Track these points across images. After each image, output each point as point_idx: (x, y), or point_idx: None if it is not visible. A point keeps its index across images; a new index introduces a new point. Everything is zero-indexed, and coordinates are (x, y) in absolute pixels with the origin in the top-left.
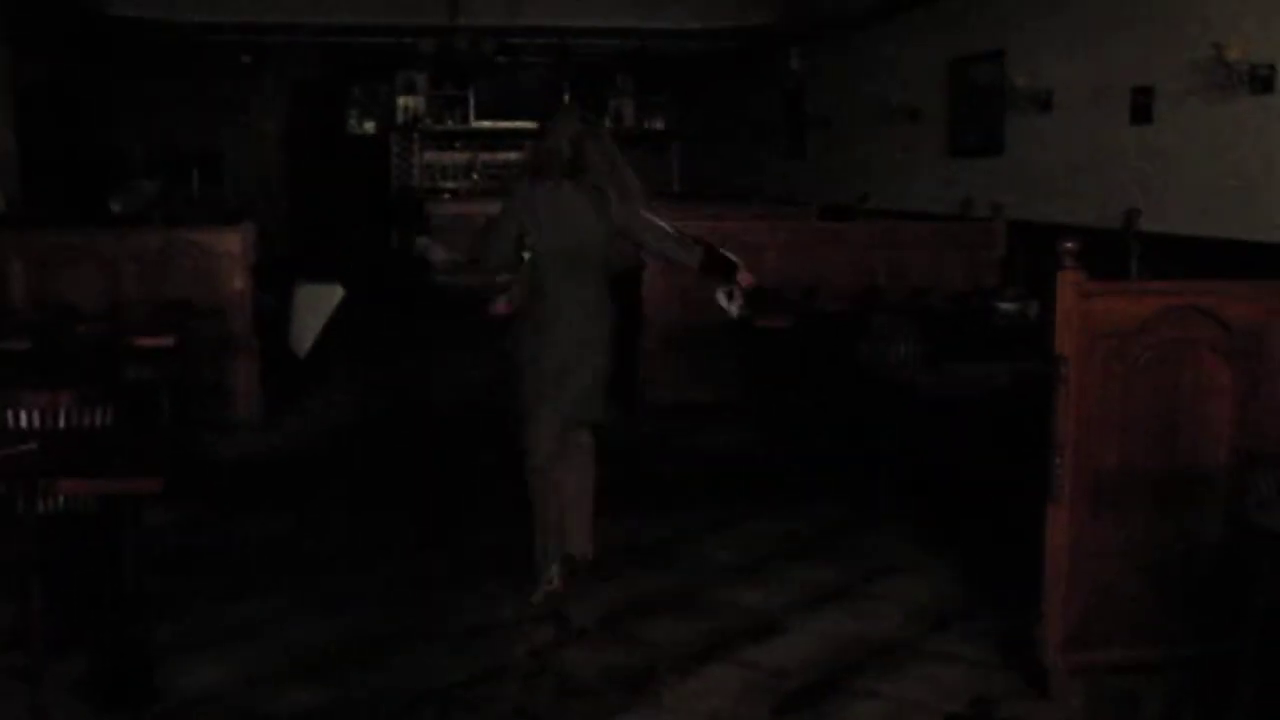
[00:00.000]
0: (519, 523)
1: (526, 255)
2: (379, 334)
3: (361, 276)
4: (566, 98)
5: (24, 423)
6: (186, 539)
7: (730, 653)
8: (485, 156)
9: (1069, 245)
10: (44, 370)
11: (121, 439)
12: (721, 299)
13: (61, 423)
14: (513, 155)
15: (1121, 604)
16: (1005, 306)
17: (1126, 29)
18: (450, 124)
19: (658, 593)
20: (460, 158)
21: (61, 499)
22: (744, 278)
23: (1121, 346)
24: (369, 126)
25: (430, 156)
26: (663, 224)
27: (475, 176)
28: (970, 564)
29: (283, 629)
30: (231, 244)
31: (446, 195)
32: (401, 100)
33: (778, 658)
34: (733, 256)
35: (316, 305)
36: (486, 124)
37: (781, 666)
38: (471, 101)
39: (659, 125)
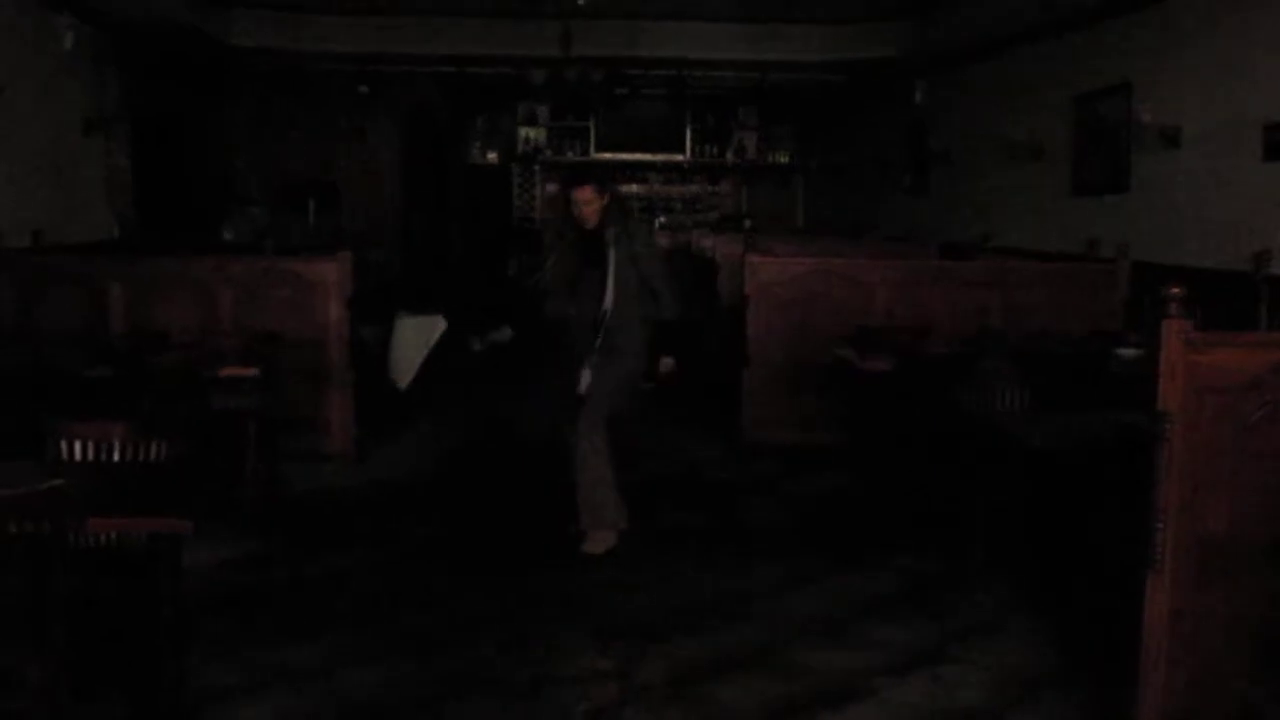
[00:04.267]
0: (594, 568)
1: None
2: (490, 369)
3: (479, 307)
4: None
5: (76, 454)
6: (251, 576)
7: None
8: None
9: (1174, 290)
10: (123, 399)
11: (174, 474)
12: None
13: (116, 455)
14: (634, 187)
15: (1227, 683)
16: (1124, 353)
17: (1261, 62)
18: (571, 155)
19: (732, 648)
20: None
21: (114, 535)
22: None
23: (1232, 403)
24: (491, 157)
25: (552, 188)
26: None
27: None
28: (1068, 629)
29: (333, 675)
30: (328, 273)
31: None
32: (523, 131)
33: None
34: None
35: (418, 337)
36: (607, 155)
37: None
38: (592, 133)
39: (783, 158)
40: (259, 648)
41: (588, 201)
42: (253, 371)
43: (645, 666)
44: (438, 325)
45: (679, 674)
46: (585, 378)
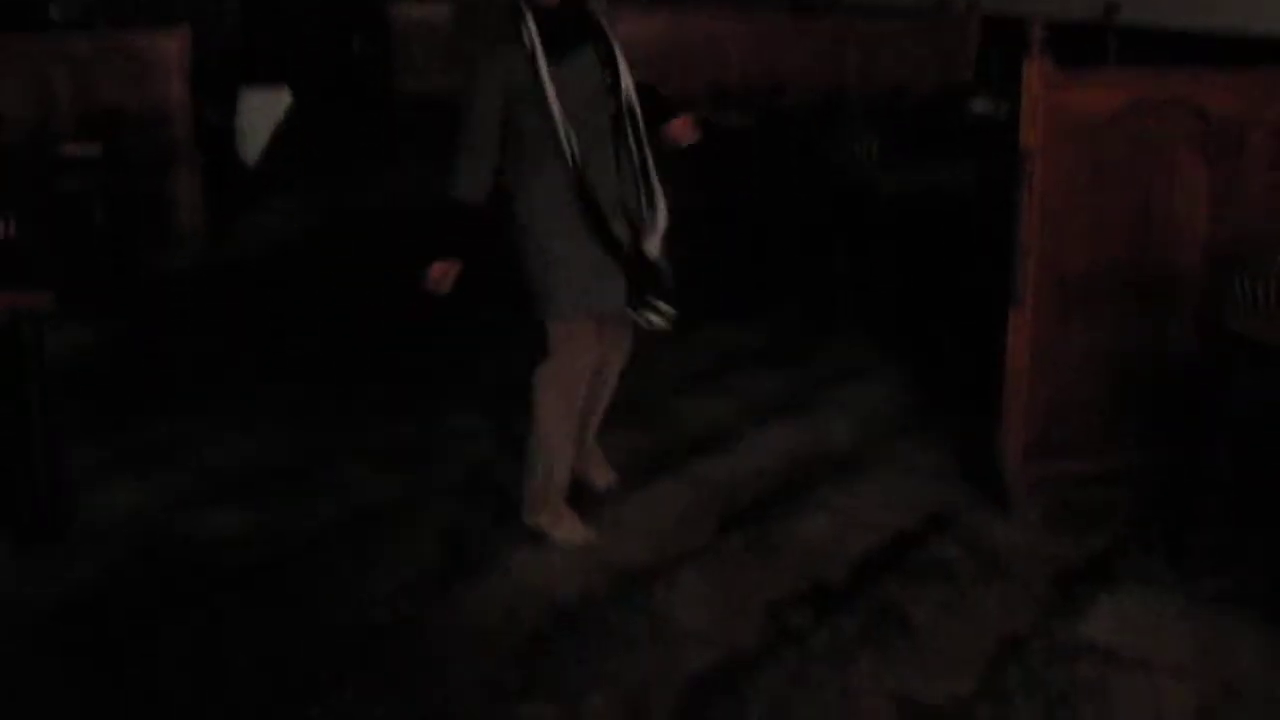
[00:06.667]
0: (462, 346)
1: None
2: (340, 144)
3: (321, 83)
4: None
5: None
6: (110, 358)
7: (677, 466)
8: None
9: (1038, 31)
10: None
11: (25, 252)
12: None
13: None
14: None
15: (1086, 412)
16: (976, 106)
17: None
18: None
19: None
20: None
21: None
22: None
23: (1091, 141)
24: None
25: None
26: None
27: None
28: (931, 372)
29: (205, 450)
30: (167, 49)
31: None
32: None
33: (727, 471)
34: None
35: (263, 112)
36: None
37: (730, 480)
38: None
39: None
40: (125, 428)
41: None
42: (95, 148)
43: (520, 420)
44: (283, 100)
45: None
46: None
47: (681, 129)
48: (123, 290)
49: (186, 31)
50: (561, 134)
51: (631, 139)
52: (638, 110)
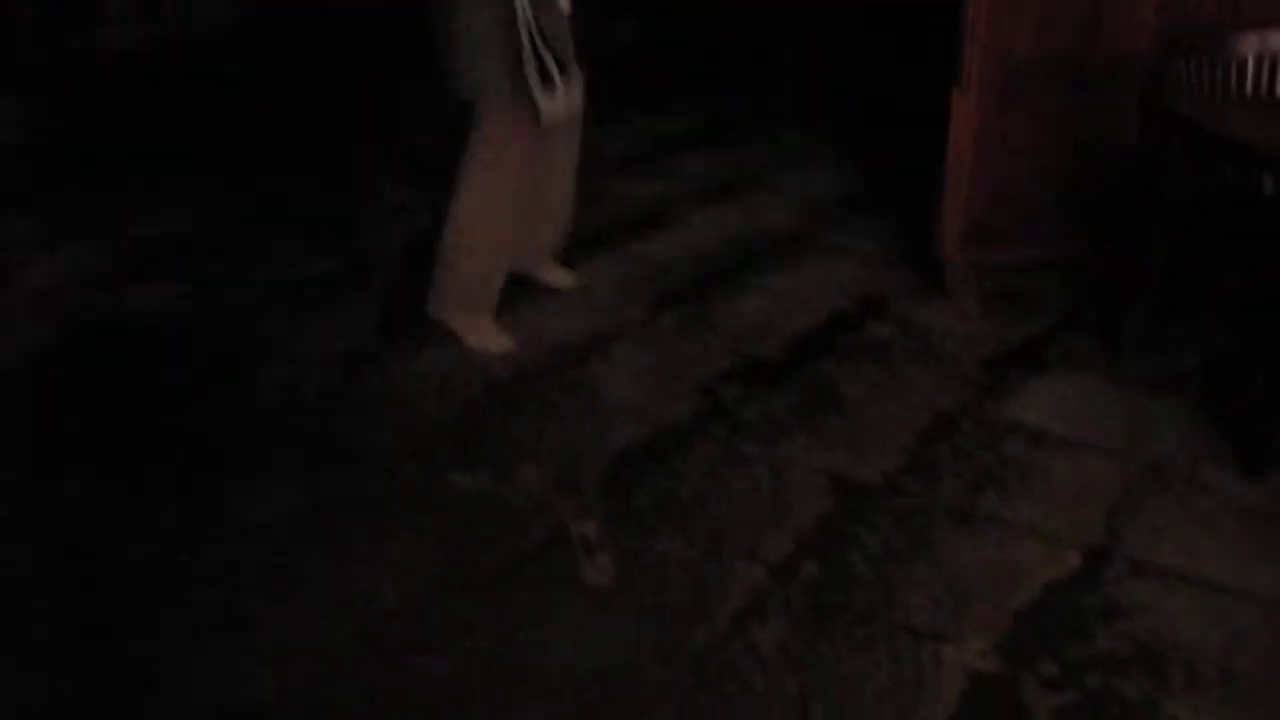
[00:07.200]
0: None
1: None
2: None
3: None
4: None
5: None
6: (38, 136)
7: (613, 245)
8: None
9: None
10: None
11: None
12: None
13: None
14: None
15: (1026, 201)
16: None
17: None
18: None
19: None
20: None
21: None
22: None
23: None
24: None
25: None
26: None
27: None
28: (872, 160)
29: (127, 224)
30: None
31: None
32: None
33: (663, 250)
34: None
35: None
36: None
37: (666, 259)
38: None
39: None
40: (54, 203)
41: None
42: None
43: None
44: None
45: None
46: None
47: None
48: (51, 70)
49: None
50: None
51: None
52: None
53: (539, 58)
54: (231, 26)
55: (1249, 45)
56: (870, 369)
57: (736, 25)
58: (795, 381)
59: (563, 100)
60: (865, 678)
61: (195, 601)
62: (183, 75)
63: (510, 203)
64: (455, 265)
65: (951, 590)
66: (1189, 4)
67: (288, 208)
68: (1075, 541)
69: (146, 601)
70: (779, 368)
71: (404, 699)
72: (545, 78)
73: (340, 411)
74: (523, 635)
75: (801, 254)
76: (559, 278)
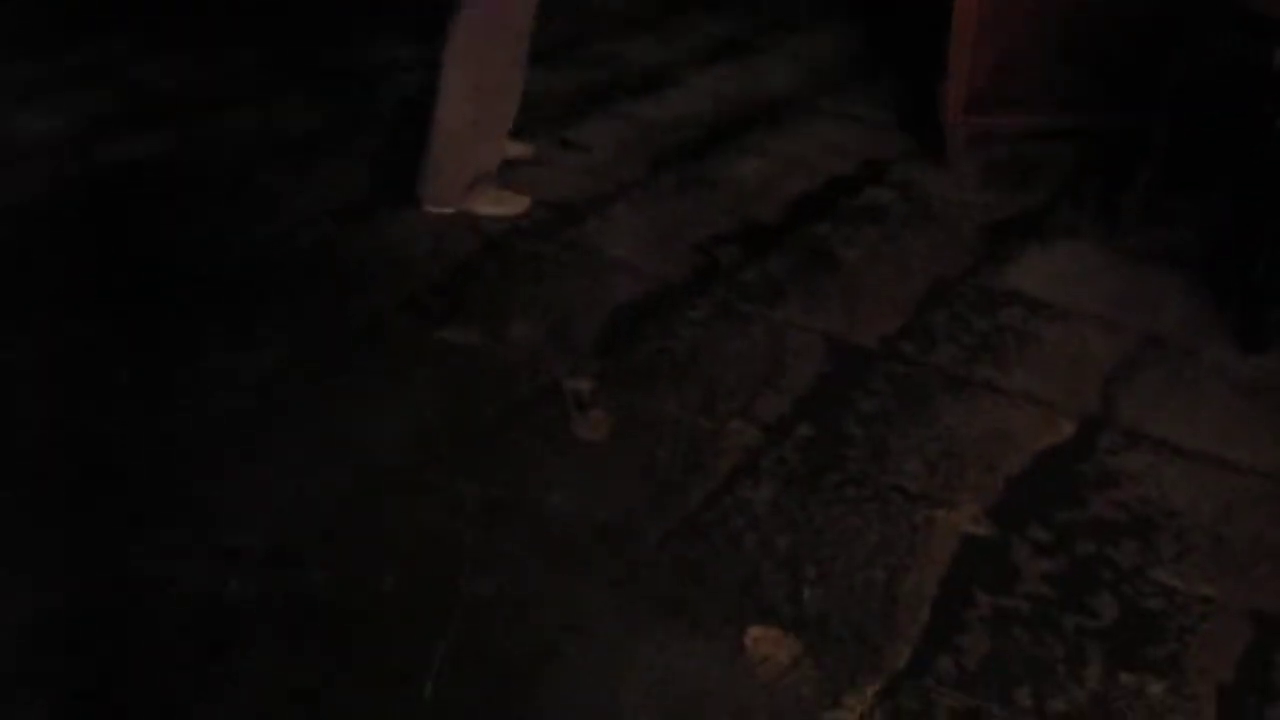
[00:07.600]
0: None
1: None
2: None
3: None
4: None
5: None
6: None
7: (613, 105)
8: None
9: None
10: None
11: None
12: None
13: None
14: None
15: (1031, 66)
16: None
17: None
18: None
19: (539, 43)
20: None
21: None
22: None
23: None
24: None
25: None
26: None
27: None
28: (879, 26)
29: (124, 72)
30: None
31: None
32: None
33: (663, 110)
34: None
35: None
36: None
37: (666, 119)
38: None
39: None
40: (64, 47)
41: None
42: None
43: None
44: None
45: None
46: None
47: None
48: None
49: None
50: None
51: None
52: None
53: None
54: None
55: None
56: (868, 233)
57: None
58: (793, 244)
59: None
60: (857, 538)
61: (179, 446)
62: None
63: (521, 62)
64: (471, 151)
65: (945, 455)
66: None
67: (287, 57)
68: (1070, 410)
69: (130, 446)
70: (777, 230)
71: (397, 543)
72: None
73: (330, 262)
74: (515, 487)
75: (802, 117)
76: (516, 149)
